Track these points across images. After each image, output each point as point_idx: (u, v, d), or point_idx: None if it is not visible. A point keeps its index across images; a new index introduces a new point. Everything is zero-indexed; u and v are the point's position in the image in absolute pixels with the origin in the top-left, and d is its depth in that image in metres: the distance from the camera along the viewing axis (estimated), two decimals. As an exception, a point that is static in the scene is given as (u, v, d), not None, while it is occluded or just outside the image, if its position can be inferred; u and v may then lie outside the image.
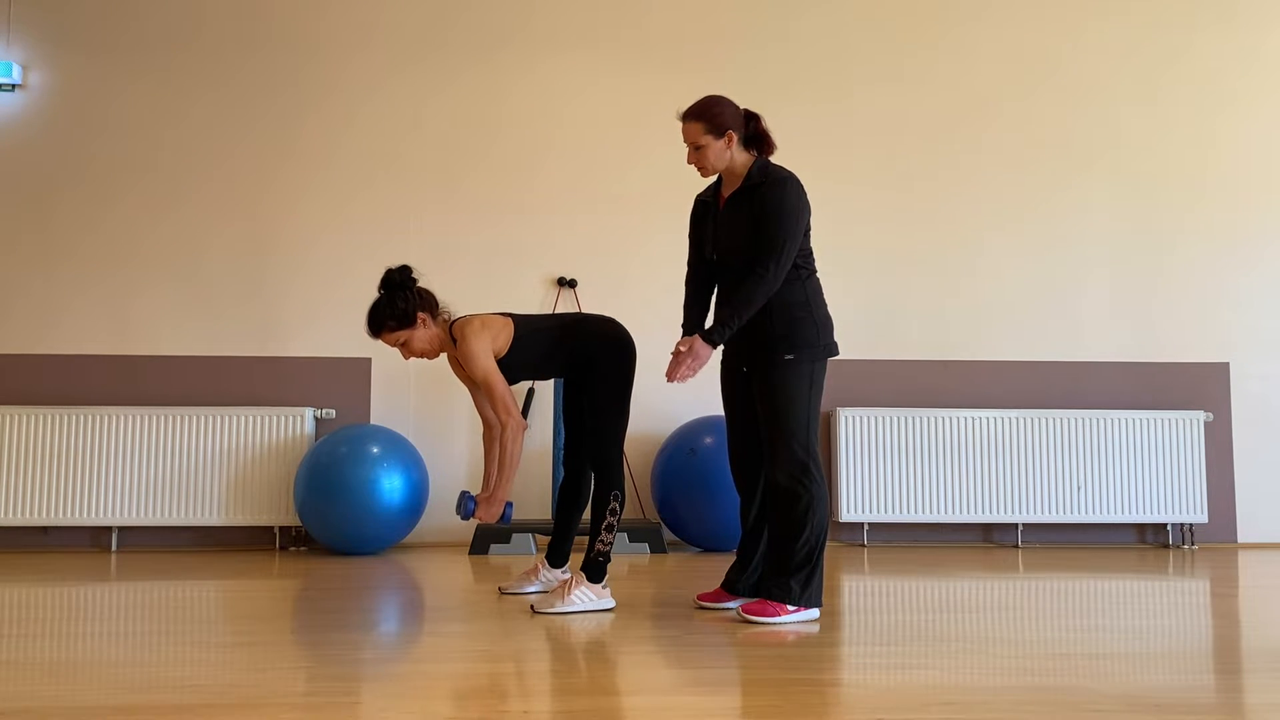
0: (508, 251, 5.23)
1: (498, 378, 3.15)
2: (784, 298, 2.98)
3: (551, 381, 4.98)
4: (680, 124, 3.06)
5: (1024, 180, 5.47)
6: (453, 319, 3.27)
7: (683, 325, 3.22)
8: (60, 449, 4.90)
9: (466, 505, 3.19)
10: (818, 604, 3.02)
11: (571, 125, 5.36)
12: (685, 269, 3.25)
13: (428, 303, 3.22)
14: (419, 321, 3.19)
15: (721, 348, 3.14)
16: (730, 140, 3.03)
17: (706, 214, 3.17)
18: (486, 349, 3.16)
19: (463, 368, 3.28)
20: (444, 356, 3.36)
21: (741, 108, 3.11)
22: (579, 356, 3.26)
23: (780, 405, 2.96)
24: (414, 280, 3.22)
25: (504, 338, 3.22)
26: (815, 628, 2.91)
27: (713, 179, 3.19)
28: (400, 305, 3.16)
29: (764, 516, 3.13)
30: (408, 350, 3.23)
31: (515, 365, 3.25)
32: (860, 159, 5.43)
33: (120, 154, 5.24)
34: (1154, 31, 5.55)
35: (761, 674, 2.36)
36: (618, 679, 2.34)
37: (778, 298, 2.97)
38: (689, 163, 3.09)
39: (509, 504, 3.23)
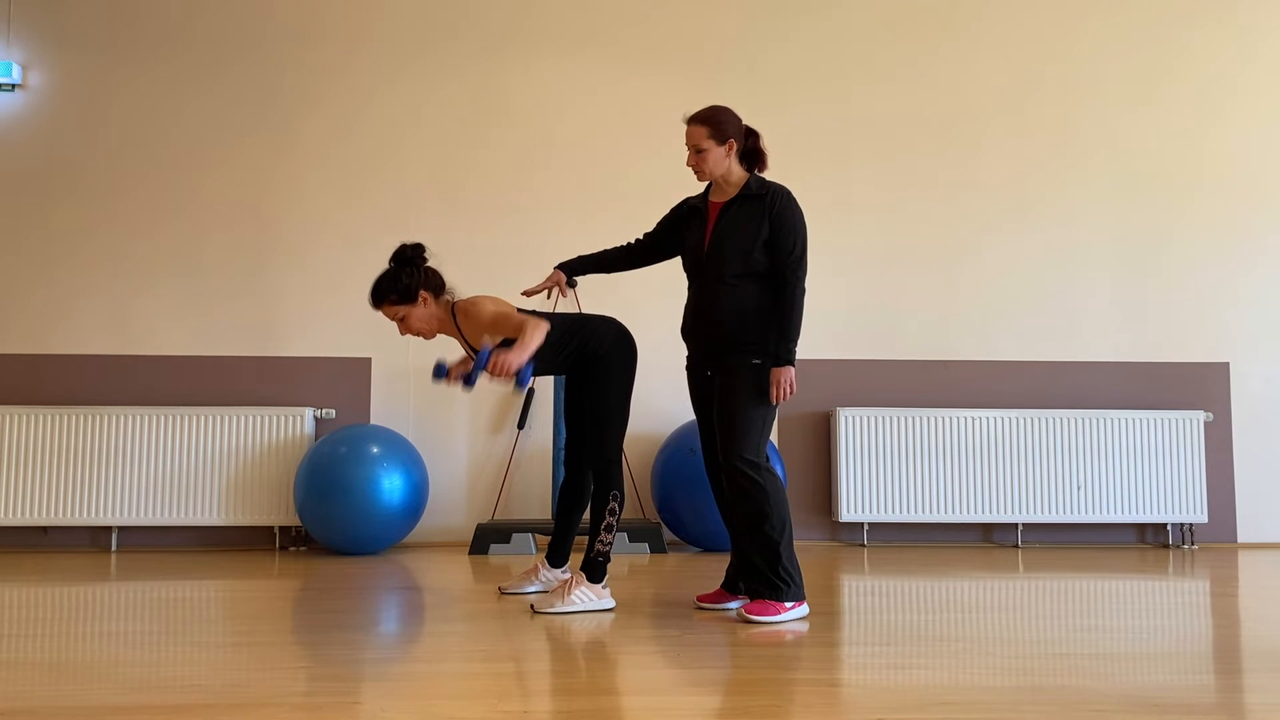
0: (508, 251, 5.23)
1: (509, 311, 3.14)
2: (758, 305, 3.06)
3: (551, 382, 4.98)
4: (685, 126, 3.16)
5: (1024, 180, 5.47)
6: (455, 300, 3.27)
7: (576, 258, 3.38)
8: (60, 449, 4.90)
9: (440, 369, 3.01)
10: (804, 596, 3.06)
11: (572, 125, 5.37)
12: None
13: (433, 282, 3.22)
14: (420, 299, 3.19)
15: (688, 352, 3.26)
16: (731, 149, 3.12)
17: (694, 218, 3.23)
18: (491, 302, 3.17)
19: (468, 341, 3.25)
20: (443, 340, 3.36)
21: (744, 124, 3.19)
22: (583, 356, 3.27)
23: (739, 408, 3.03)
24: (424, 259, 3.22)
25: (508, 306, 3.21)
26: (805, 625, 2.93)
27: (703, 188, 3.26)
28: (405, 280, 3.17)
29: None
30: (405, 326, 3.23)
31: None
32: (860, 159, 5.43)
33: (120, 154, 5.24)
34: (1152, 31, 5.55)
35: (761, 674, 2.36)
36: (618, 679, 2.34)
37: (752, 305, 3.06)
38: (688, 165, 3.17)
39: (529, 364, 2.97)
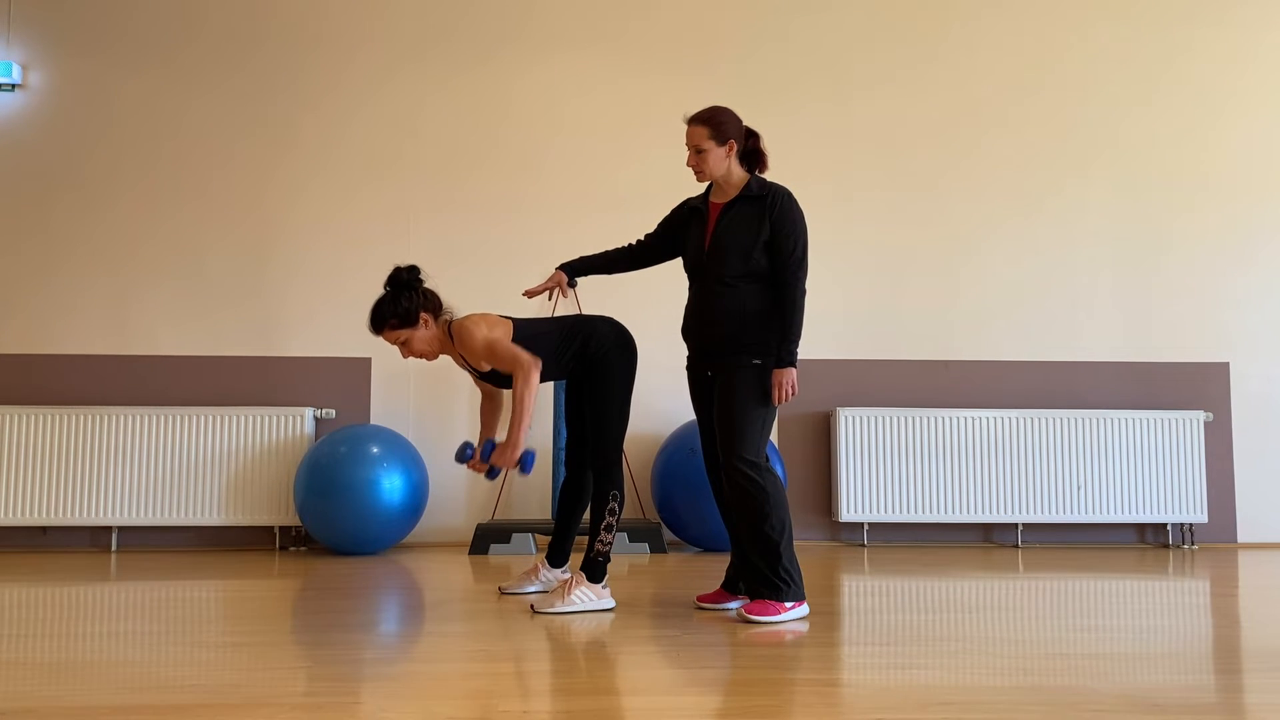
0: (508, 252, 5.24)
1: (501, 341, 3.15)
2: (758, 306, 3.06)
3: (551, 382, 4.98)
4: (685, 126, 3.16)
5: (1024, 180, 5.47)
6: (451, 319, 3.28)
7: (578, 259, 3.38)
8: (60, 449, 4.90)
9: (465, 450, 3.10)
10: (804, 596, 3.06)
11: (572, 126, 5.37)
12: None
13: (431, 304, 3.23)
14: (421, 322, 3.19)
15: (688, 352, 3.25)
16: (731, 149, 3.12)
17: (694, 219, 3.23)
18: (483, 327, 3.17)
19: (467, 361, 3.28)
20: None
21: (744, 125, 3.18)
22: (584, 358, 3.27)
23: (738, 408, 3.03)
24: (420, 280, 3.23)
25: (500, 331, 3.21)
26: (805, 625, 2.93)
27: (703, 188, 3.26)
28: (404, 304, 3.17)
29: None
30: (407, 349, 3.24)
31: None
32: (860, 159, 5.43)
33: (120, 154, 5.24)
34: (1152, 32, 5.55)
35: (761, 674, 2.36)
36: (618, 679, 2.34)
37: (753, 306, 3.06)
38: (688, 165, 3.17)
39: (530, 451, 3.13)
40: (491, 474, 3.19)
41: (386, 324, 3.19)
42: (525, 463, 3.12)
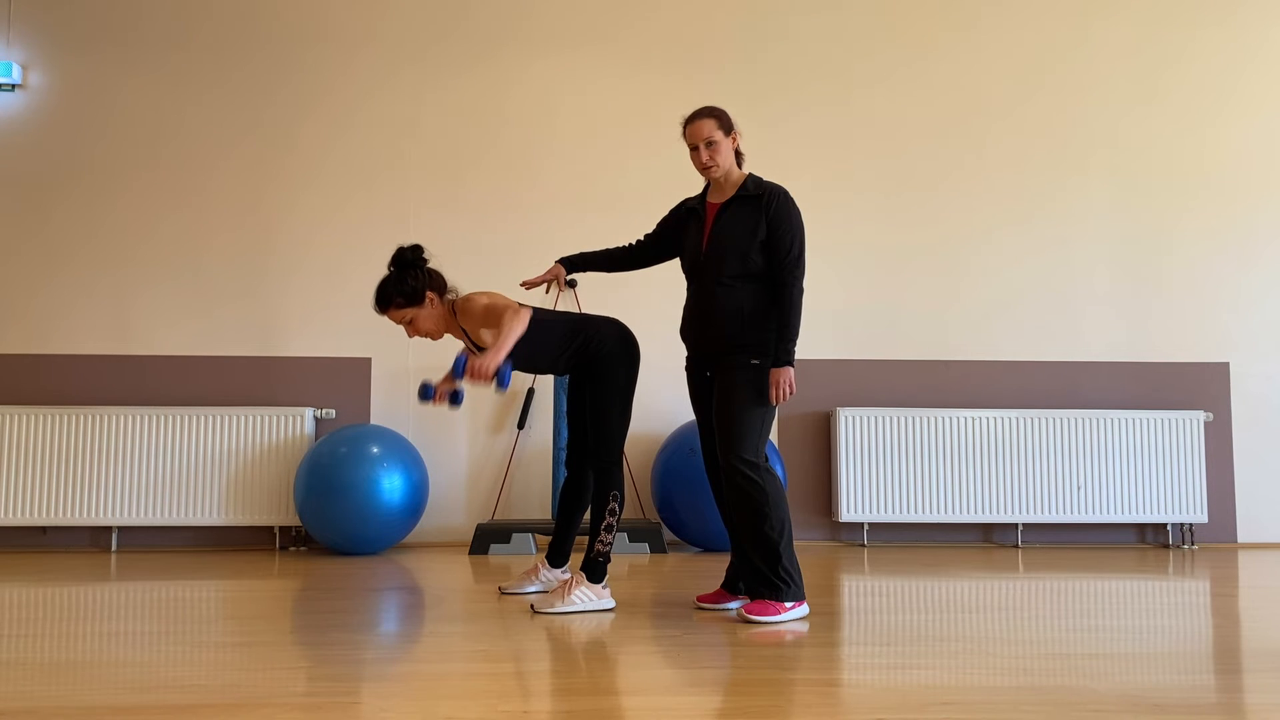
0: (508, 251, 5.24)
1: (500, 299, 3.14)
2: (756, 306, 3.06)
3: (552, 382, 4.99)
4: (685, 128, 3.15)
5: (1024, 180, 5.47)
6: (455, 298, 3.28)
7: (578, 254, 3.41)
8: (60, 449, 4.91)
9: (426, 389, 3.06)
10: (804, 596, 3.07)
11: (571, 125, 5.37)
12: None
13: (437, 283, 3.22)
14: (427, 300, 3.19)
15: (688, 353, 3.27)
16: (735, 139, 3.15)
17: (691, 219, 3.24)
18: (485, 296, 3.17)
19: (470, 339, 3.26)
20: (448, 337, 3.37)
21: None
22: (586, 356, 3.26)
23: (738, 407, 3.04)
24: (425, 260, 3.22)
25: (502, 299, 3.20)
26: (805, 625, 2.93)
27: (701, 189, 3.28)
28: (410, 283, 3.16)
29: None
30: (413, 329, 3.22)
31: (518, 353, 3.24)
32: (861, 159, 5.43)
33: (120, 154, 5.24)
34: (1154, 32, 5.55)
35: (761, 674, 2.36)
36: (618, 679, 2.34)
37: (750, 306, 3.06)
38: (700, 162, 3.14)
39: (507, 363, 3.00)
40: (456, 399, 3.15)
41: (392, 303, 3.18)
42: (503, 374, 3.00)
